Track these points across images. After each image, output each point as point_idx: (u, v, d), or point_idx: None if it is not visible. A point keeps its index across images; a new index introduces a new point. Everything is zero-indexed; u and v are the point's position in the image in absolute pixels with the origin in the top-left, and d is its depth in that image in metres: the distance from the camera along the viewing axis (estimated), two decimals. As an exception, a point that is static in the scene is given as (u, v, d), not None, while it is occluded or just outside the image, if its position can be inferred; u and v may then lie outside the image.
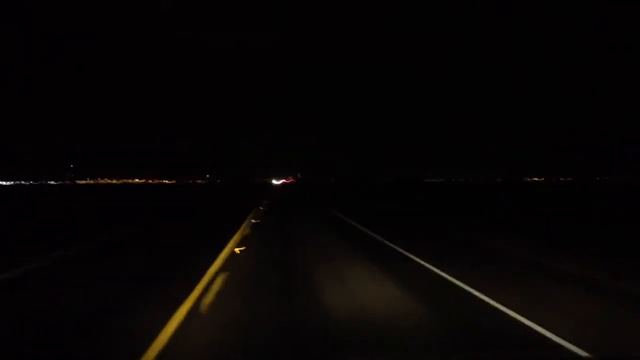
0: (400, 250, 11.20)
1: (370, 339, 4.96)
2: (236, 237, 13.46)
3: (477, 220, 20.87)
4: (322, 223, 19.06)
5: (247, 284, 7.72)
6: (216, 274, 8.26)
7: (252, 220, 19.01)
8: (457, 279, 7.79)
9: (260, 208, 27.57)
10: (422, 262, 9.48)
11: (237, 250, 11.07)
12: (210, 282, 7.56)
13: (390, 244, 12.17)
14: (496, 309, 6.06)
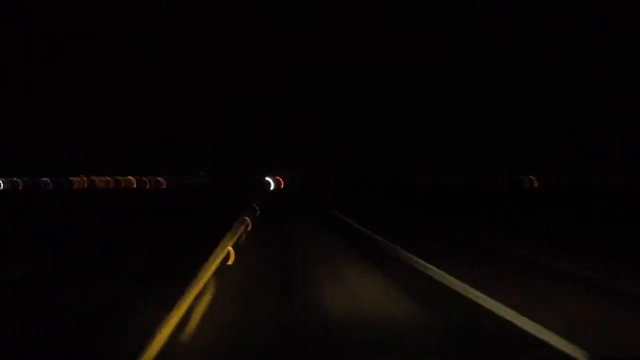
0: (400, 249, 11.20)
1: (370, 339, 4.96)
2: (236, 238, 13.48)
3: (477, 220, 20.89)
4: (322, 223, 19.07)
5: (247, 283, 7.72)
6: (216, 274, 8.26)
7: (250, 222, 19.01)
8: (457, 278, 7.80)
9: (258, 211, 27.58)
10: (422, 262, 9.49)
11: (231, 250, 11.08)
12: (209, 282, 7.56)
13: (391, 244, 12.18)
14: (496, 308, 6.06)
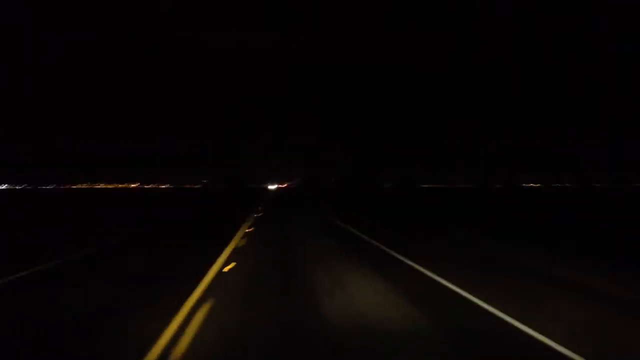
0: (399, 254, 11.20)
1: (369, 342, 4.96)
2: (236, 239, 13.48)
3: (477, 220, 20.88)
4: (321, 228, 19.03)
5: (247, 284, 7.71)
6: (216, 274, 8.26)
7: (250, 224, 19.00)
8: (455, 284, 7.81)
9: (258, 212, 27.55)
10: (421, 264, 9.49)
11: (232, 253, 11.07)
12: (210, 282, 7.56)
13: (390, 249, 12.18)
14: (494, 315, 6.05)
